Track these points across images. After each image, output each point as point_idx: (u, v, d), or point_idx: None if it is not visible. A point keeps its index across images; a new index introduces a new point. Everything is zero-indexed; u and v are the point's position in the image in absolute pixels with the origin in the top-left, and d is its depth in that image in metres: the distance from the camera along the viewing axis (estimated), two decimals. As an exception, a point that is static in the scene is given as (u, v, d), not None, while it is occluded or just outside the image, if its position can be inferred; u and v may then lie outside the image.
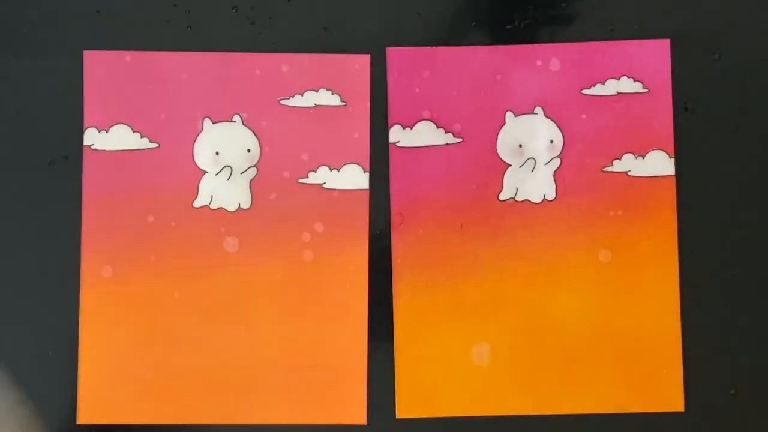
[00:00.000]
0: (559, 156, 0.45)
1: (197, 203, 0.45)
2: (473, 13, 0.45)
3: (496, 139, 0.45)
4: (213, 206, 0.45)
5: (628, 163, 0.45)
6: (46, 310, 0.44)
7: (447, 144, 0.45)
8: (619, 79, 0.45)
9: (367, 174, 0.45)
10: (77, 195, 0.45)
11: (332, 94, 0.45)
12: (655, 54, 0.45)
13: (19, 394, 0.44)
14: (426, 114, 0.45)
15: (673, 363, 0.44)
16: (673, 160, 0.45)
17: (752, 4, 0.45)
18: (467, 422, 0.44)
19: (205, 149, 0.45)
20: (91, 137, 0.45)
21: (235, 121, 0.45)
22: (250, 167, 0.45)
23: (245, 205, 0.45)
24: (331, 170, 0.45)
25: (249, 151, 0.45)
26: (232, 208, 0.45)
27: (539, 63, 0.45)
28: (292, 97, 0.45)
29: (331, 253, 0.45)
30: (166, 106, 0.45)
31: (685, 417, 0.44)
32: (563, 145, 0.45)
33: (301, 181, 0.45)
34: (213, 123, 0.45)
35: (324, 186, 0.45)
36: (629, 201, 0.44)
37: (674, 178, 0.44)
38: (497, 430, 0.44)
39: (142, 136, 0.45)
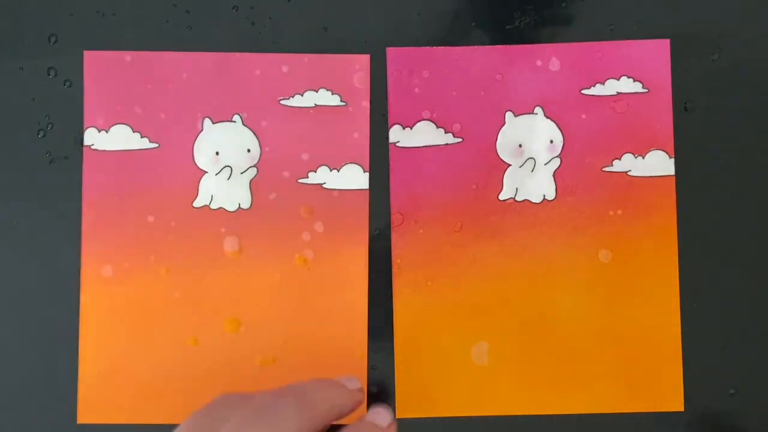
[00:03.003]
0: (559, 156, 0.45)
1: (197, 203, 0.45)
2: (473, 13, 0.45)
3: (496, 139, 0.45)
4: (213, 206, 0.45)
5: (628, 163, 0.45)
6: (46, 310, 0.44)
7: (447, 144, 0.45)
8: (619, 79, 0.45)
9: (367, 174, 0.45)
10: (77, 195, 0.45)
11: (332, 94, 0.45)
12: (655, 54, 0.45)
13: (19, 394, 0.44)
14: (426, 114, 0.45)
15: (673, 363, 0.44)
16: (673, 160, 0.45)
17: (752, 4, 0.45)
18: (467, 422, 0.44)
19: (205, 149, 0.45)
20: (91, 137, 0.45)
21: (235, 121, 0.45)
22: (250, 167, 0.45)
23: (245, 205, 0.45)
24: (331, 170, 0.45)
25: (249, 151, 0.45)
26: (232, 208, 0.45)
27: (539, 63, 0.45)
28: (292, 97, 0.45)
29: (331, 253, 0.45)
30: (166, 106, 0.45)
31: (685, 417, 0.44)
32: (563, 145, 0.45)
33: (301, 181, 0.45)
34: (213, 123, 0.45)
35: (324, 186, 0.45)
36: (629, 201, 0.45)
37: (674, 178, 0.45)
38: (497, 430, 0.44)
39: (142, 136, 0.45)
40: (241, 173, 0.45)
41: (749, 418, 0.44)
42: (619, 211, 0.45)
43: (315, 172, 0.45)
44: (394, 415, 0.35)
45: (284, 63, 0.45)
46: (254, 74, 0.45)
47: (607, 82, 0.45)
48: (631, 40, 0.45)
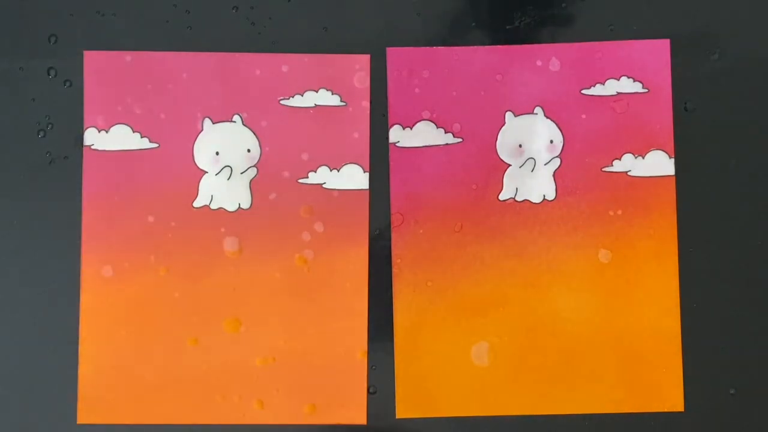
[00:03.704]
0: (559, 156, 0.45)
1: (197, 203, 0.45)
2: (473, 13, 0.45)
3: (496, 139, 0.45)
4: (213, 206, 0.45)
5: (628, 163, 0.45)
6: (46, 310, 0.44)
7: (447, 144, 0.45)
8: (619, 79, 0.45)
9: (367, 174, 0.45)
10: (77, 195, 0.45)
11: (332, 94, 0.45)
12: (655, 54, 0.45)
13: (19, 394, 0.44)
14: (426, 114, 0.45)
15: (673, 363, 0.44)
16: (673, 160, 0.45)
17: (752, 4, 0.45)
18: (467, 422, 0.44)
19: (205, 149, 0.45)
20: (91, 137, 0.45)
21: (235, 121, 0.45)
22: (250, 167, 0.45)
23: (245, 205, 0.45)
24: (331, 170, 0.45)
25: (249, 151, 0.45)
26: (232, 208, 0.45)
27: (539, 63, 0.45)
28: (292, 97, 0.45)
29: (331, 253, 0.45)
30: (166, 106, 0.45)
31: (685, 417, 0.44)
32: (563, 145, 0.45)
33: (301, 181, 0.45)
34: (213, 123, 0.45)
35: (324, 186, 0.45)
36: (629, 201, 0.44)
37: (674, 178, 0.45)
38: (497, 430, 0.44)
39: (142, 136, 0.45)
40: (241, 173, 0.45)
41: (749, 418, 0.44)
42: (619, 211, 0.45)
43: (315, 172, 0.45)
44: None
45: (284, 63, 0.45)
46: (254, 74, 0.45)
47: (607, 82, 0.45)
48: (631, 40, 0.45)
